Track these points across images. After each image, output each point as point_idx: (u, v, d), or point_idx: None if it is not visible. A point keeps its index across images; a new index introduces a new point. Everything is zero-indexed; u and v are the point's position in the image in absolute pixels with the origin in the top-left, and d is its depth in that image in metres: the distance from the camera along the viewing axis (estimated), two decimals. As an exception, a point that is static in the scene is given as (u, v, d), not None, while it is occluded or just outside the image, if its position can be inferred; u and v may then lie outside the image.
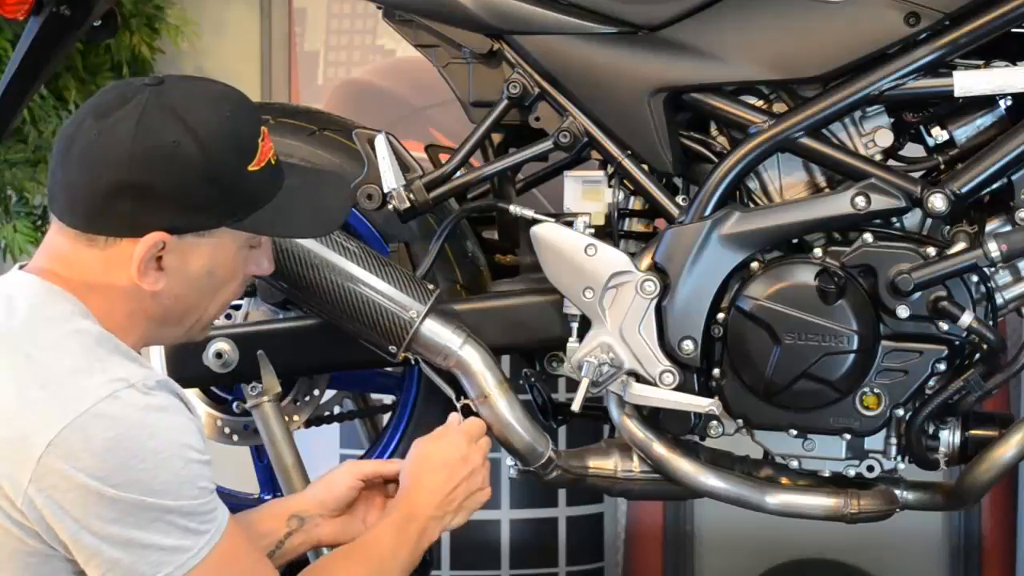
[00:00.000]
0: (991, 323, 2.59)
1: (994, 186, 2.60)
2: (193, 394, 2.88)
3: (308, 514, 2.46)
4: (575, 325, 2.69)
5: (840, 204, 2.60)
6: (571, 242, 2.66)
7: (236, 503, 2.98)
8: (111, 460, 1.99)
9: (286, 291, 2.73)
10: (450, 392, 2.73)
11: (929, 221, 2.63)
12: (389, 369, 2.91)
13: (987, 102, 2.63)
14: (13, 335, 2.06)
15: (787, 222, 2.62)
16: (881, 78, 2.60)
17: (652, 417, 2.69)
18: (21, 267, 2.17)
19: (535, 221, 2.69)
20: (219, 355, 2.75)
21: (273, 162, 2.18)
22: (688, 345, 2.62)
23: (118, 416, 2.00)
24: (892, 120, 2.67)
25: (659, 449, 2.69)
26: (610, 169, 2.74)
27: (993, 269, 2.60)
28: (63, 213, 2.11)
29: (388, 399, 3.05)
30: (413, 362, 2.73)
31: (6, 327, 2.07)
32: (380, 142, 2.73)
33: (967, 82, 2.59)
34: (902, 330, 2.59)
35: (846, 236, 2.64)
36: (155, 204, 2.07)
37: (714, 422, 2.68)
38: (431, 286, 2.71)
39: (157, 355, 2.80)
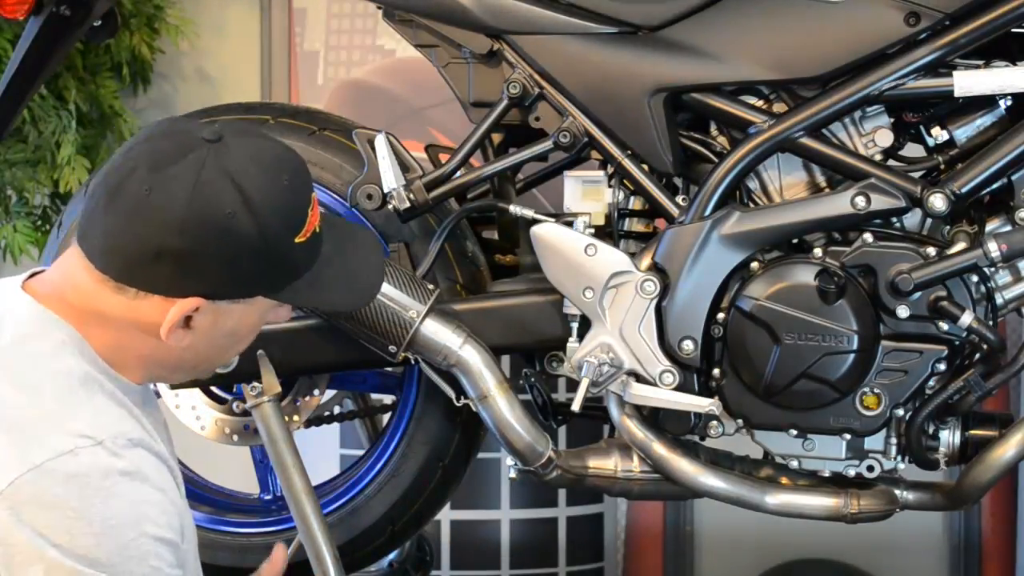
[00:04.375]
0: (991, 323, 2.59)
1: (994, 186, 2.60)
2: (195, 394, 2.88)
3: None
4: (575, 325, 2.69)
5: (840, 204, 2.60)
6: (571, 242, 2.66)
7: (236, 503, 2.99)
8: (56, 518, 1.88)
9: (286, 291, 2.72)
10: (450, 392, 2.73)
11: (929, 221, 2.63)
12: (389, 369, 2.91)
13: (987, 102, 2.63)
14: None
15: (787, 222, 2.62)
16: (881, 78, 2.60)
17: (652, 417, 2.68)
18: (33, 274, 2.07)
19: (535, 221, 2.69)
20: (219, 355, 2.75)
21: (318, 230, 2.08)
22: (688, 345, 2.62)
23: (74, 474, 1.89)
24: (892, 120, 2.67)
25: (659, 449, 2.68)
26: (610, 169, 2.74)
27: (993, 269, 2.60)
28: (95, 256, 2.00)
29: (388, 399, 3.05)
30: (413, 362, 2.73)
31: None
32: (380, 142, 2.73)
33: (967, 82, 2.59)
34: (902, 330, 2.59)
35: (846, 236, 2.64)
36: (199, 272, 1.98)
37: (714, 422, 2.68)
38: (431, 286, 2.71)
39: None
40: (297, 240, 2.04)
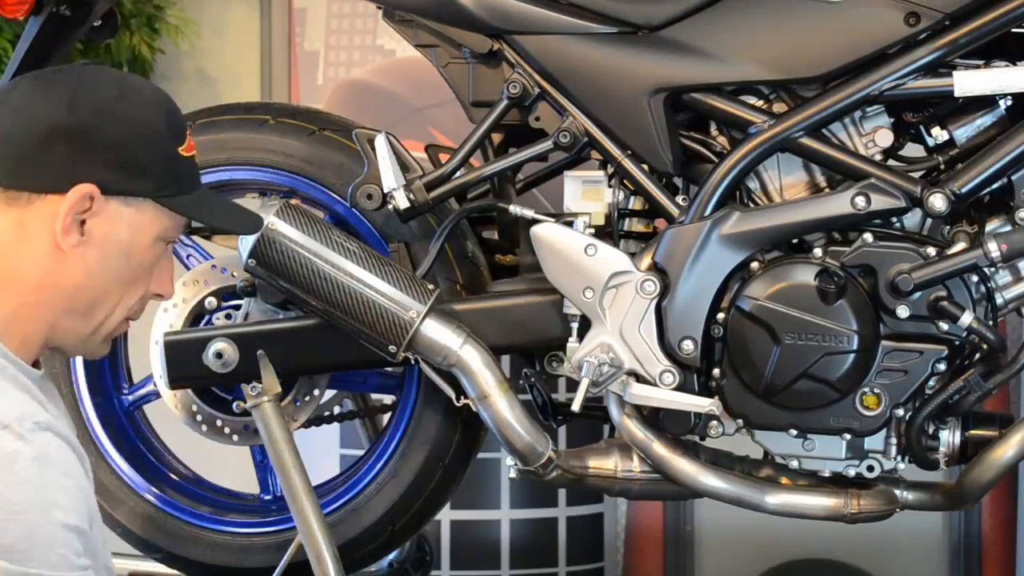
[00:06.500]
0: (991, 323, 2.59)
1: (994, 186, 2.60)
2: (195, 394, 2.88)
3: None
4: (575, 325, 2.69)
5: (840, 204, 2.60)
6: (571, 242, 2.66)
7: (236, 503, 2.99)
8: None
9: (286, 291, 2.73)
10: (450, 392, 2.73)
11: (929, 221, 2.63)
12: (389, 369, 2.91)
13: (987, 102, 2.63)
14: None
15: (787, 222, 2.62)
16: (881, 78, 2.60)
17: (652, 417, 2.68)
18: None
19: (535, 221, 2.69)
20: (219, 355, 2.75)
21: (196, 160, 2.16)
22: (688, 345, 2.62)
23: None
24: (892, 120, 2.67)
25: (659, 449, 2.68)
26: (610, 169, 2.74)
27: (993, 269, 2.60)
28: None
29: (388, 399, 3.05)
30: (413, 362, 2.73)
31: None
32: (380, 142, 2.73)
33: (967, 82, 2.59)
34: (902, 330, 2.59)
35: (846, 236, 2.64)
36: (91, 154, 2.02)
37: (714, 422, 2.68)
38: (431, 286, 2.71)
39: (157, 356, 2.80)
40: (181, 151, 2.10)
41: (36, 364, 2.08)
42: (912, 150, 2.73)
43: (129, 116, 2.05)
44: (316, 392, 2.89)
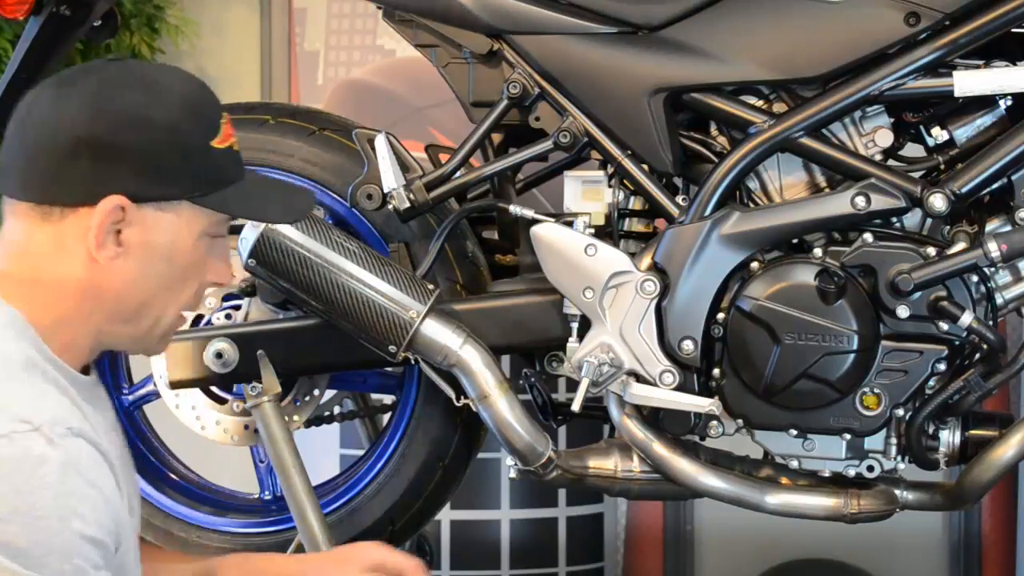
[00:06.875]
0: (991, 323, 2.59)
1: (994, 186, 2.60)
2: (195, 394, 2.88)
3: None
4: (575, 325, 2.69)
5: (840, 204, 2.60)
6: (571, 242, 2.66)
7: (236, 503, 2.99)
8: None
9: (286, 291, 2.73)
10: (450, 392, 2.73)
11: (929, 221, 2.63)
12: (389, 369, 2.91)
13: (987, 102, 2.63)
14: None
15: (787, 222, 2.62)
16: (881, 78, 2.60)
17: (652, 417, 2.68)
18: None
19: (535, 221, 2.69)
20: (219, 355, 2.75)
21: (235, 148, 2.08)
22: (688, 345, 2.62)
23: (5, 459, 1.83)
24: (892, 120, 2.67)
25: (659, 449, 2.68)
26: (610, 169, 2.74)
27: (993, 269, 2.60)
28: (17, 188, 1.99)
29: (388, 399, 3.05)
30: (413, 362, 2.73)
31: None
32: (380, 142, 2.73)
33: (967, 82, 2.59)
34: (902, 330, 2.59)
35: (846, 236, 2.64)
36: (117, 164, 1.96)
37: (714, 422, 2.68)
38: (431, 286, 2.71)
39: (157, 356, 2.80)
40: (214, 144, 2.04)
41: (86, 370, 2.05)
42: (912, 150, 2.73)
43: (155, 120, 1.99)
44: (316, 392, 2.89)
